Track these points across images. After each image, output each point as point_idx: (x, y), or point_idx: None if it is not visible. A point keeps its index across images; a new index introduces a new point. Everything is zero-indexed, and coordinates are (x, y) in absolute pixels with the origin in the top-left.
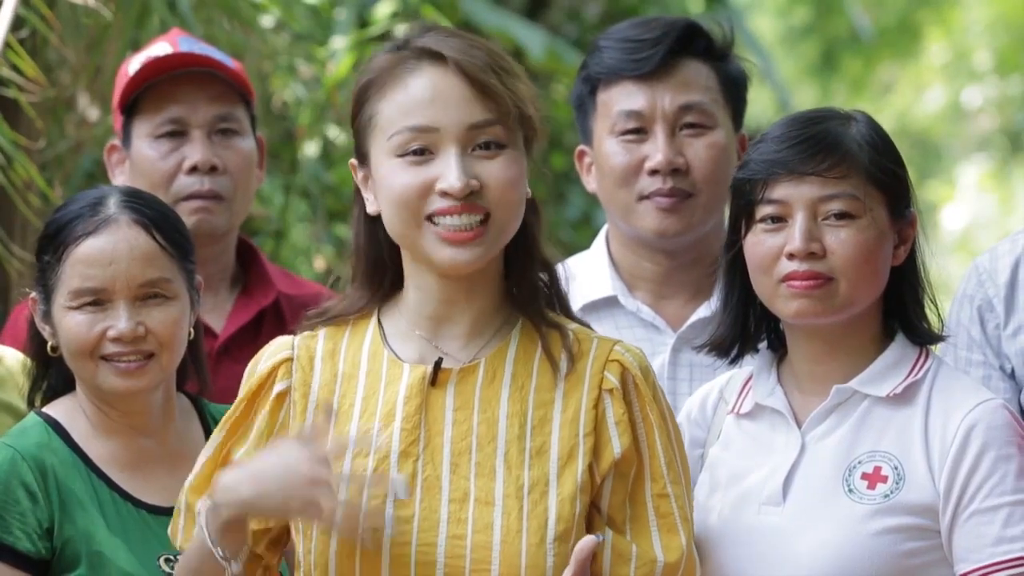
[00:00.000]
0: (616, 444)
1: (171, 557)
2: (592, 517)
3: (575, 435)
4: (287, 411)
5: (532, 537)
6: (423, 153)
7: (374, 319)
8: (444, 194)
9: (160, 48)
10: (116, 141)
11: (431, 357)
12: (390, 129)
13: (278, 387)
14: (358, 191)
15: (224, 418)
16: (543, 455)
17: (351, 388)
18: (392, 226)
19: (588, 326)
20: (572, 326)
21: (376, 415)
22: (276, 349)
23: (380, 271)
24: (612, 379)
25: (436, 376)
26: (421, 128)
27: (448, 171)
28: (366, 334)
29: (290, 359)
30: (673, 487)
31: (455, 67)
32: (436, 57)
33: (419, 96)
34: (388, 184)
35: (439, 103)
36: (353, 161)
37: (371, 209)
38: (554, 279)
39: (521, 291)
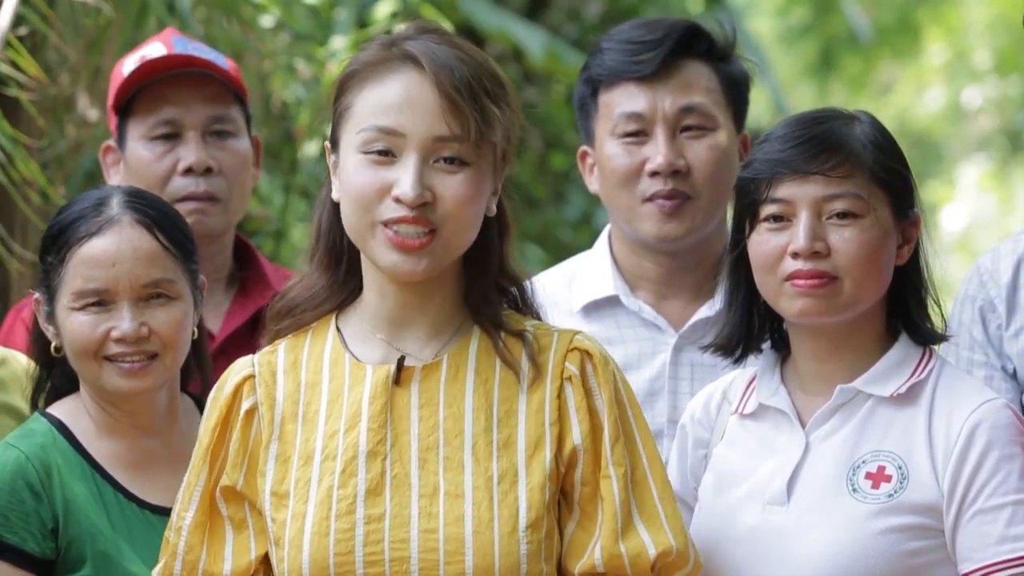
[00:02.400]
0: (576, 432)
1: None
2: (559, 506)
3: (541, 424)
4: (257, 426)
5: (504, 526)
6: (386, 155)
7: (332, 326)
8: (397, 200)
9: (154, 49)
10: (111, 142)
11: (393, 357)
12: (360, 124)
13: (245, 404)
14: (329, 174)
15: (200, 449)
16: (510, 446)
17: (315, 396)
18: (347, 220)
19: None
20: (531, 324)
21: (341, 418)
22: (237, 369)
23: (338, 254)
24: (572, 368)
25: (399, 375)
26: (387, 130)
27: (404, 178)
28: (326, 342)
29: (252, 376)
30: (615, 468)
31: (431, 77)
32: (418, 63)
33: (393, 98)
34: (349, 179)
35: (410, 109)
36: (327, 144)
37: (335, 195)
38: (523, 293)
39: (472, 302)
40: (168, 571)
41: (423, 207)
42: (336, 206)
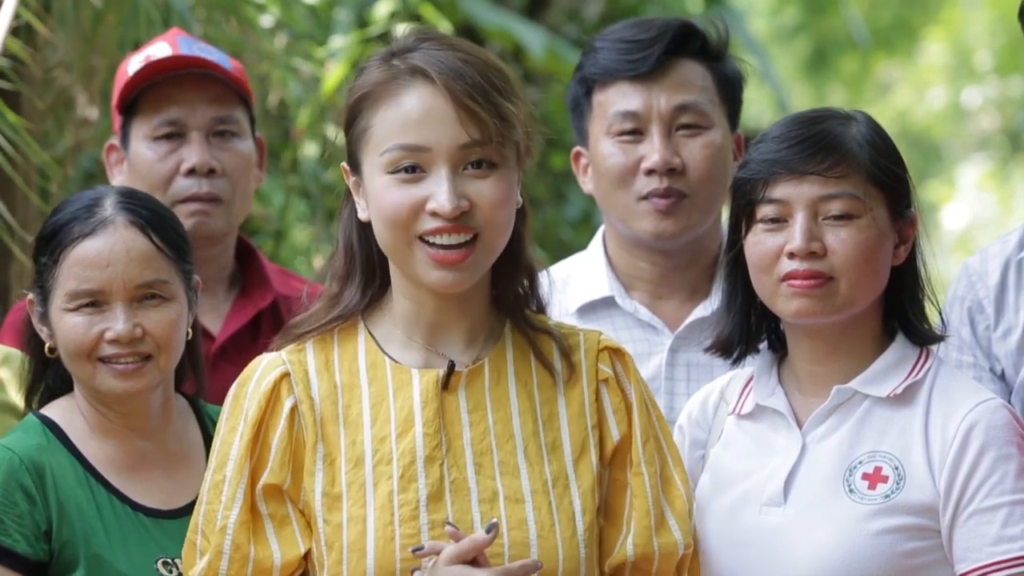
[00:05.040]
0: (615, 431)
1: (168, 560)
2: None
3: (583, 428)
4: (299, 425)
5: (565, 530)
6: (415, 171)
7: (361, 327)
8: (434, 214)
9: (159, 49)
10: (115, 140)
11: (435, 362)
12: (382, 145)
13: (288, 402)
14: (348, 193)
15: (240, 446)
16: (557, 450)
17: (355, 398)
18: (383, 240)
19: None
20: (552, 323)
21: (391, 422)
22: (267, 367)
23: (373, 270)
24: (606, 369)
25: (448, 380)
26: (413, 147)
27: (439, 191)
28: (357, 343)
29: (287, 374)
30: (647, 467)
31: (442, 88)
32: (427, 75)
33: (411, 115)
34: (379, 201)
35: (430, 122)
36: (345, 165)
37: (363, 216)
38: (534, 284)
39: (506, 298)
40: (213, 571)
41: (462, 216)
42: (364, 225)
